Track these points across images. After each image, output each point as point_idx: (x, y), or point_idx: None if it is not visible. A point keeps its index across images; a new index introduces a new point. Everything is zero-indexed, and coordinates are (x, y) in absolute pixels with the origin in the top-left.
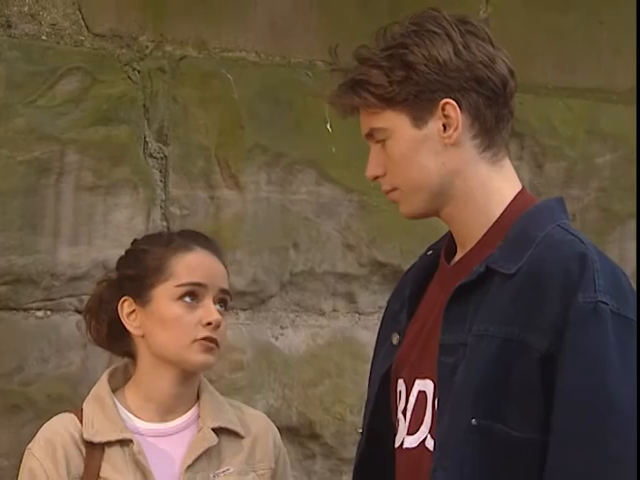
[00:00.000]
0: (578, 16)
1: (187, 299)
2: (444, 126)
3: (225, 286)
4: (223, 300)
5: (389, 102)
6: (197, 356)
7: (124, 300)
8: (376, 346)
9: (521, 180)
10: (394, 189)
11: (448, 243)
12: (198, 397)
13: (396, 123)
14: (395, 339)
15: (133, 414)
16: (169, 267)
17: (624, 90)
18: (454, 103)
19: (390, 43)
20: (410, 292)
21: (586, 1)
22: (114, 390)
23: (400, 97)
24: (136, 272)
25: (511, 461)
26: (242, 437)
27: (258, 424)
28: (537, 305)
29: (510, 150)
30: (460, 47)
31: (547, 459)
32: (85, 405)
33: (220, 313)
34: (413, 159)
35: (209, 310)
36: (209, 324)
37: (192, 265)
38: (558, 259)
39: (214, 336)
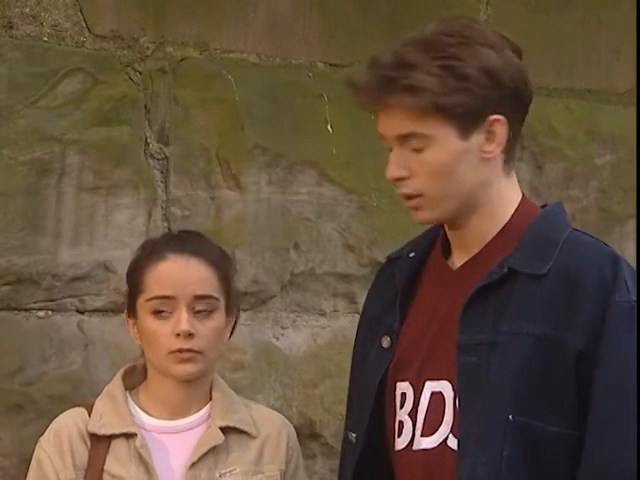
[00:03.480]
0: (578, 17)
1: (157, 312)
2: (487, 140)
3: (201, 292)
4: (202, 305)
5: (441, 110)
6: (174, 367)
7: (125, 312)
8: (356, 352)
9: (521, 181)
10: (418, 195)
11: (443, 245)
12: (212, 396)
13: (442, 132)
14: (386, 342)
15: (144, 411)
16: (144, 280)
17: (624, 91)
18: (504, 120)
19: (440, 53)
20: (401, 294)
21: (586, 2)
22: (131, 388)
23: (451, 107)
24: (127, 285)
25: (547, 456)
26: (253, 437)
27: (271, 425)
28: (572, 304)
29: None
30: (506, 64)
31: (582, 453)
32: (97, 400)
33: (202, 319)
34: (454, 169)
35: (179, 321)
36: (179, 335)
37: (160, 277)
38: (590, 260)
39: (187, 346)
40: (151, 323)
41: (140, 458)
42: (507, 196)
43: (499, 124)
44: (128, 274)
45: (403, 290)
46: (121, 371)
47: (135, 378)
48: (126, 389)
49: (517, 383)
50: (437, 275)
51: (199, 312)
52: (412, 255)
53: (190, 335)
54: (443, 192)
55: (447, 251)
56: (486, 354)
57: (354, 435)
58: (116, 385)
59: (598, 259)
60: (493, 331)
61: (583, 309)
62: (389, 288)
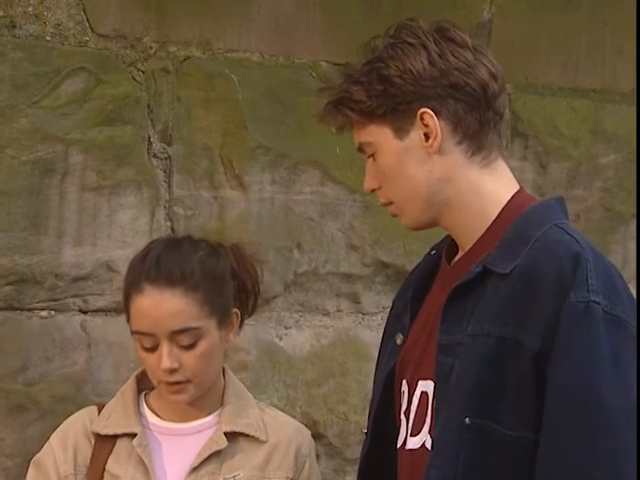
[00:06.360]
0: (582, 17)
1: (142, 346)
2: (425, 135)
3: (178, 327)
4: (184, 338)
5: (370, 116)
6: (167, 395)
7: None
8: (381, 346)
9: (525, 180)
10: (390, 202)
11: (450, 243)
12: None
13: (380, 136)
14: (399, 339)
15: (153, 412)
16: (129, 309)
17: (627, 90)
18: (431, 112)
19: (369, 58)
20: (413, 292)
21: (590, 2)
22: (146, 389)
23: (379, 110)
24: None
25: (504, 460)
26: (262, 442)
27: (283, 432)
28: (530, 304)
29: (514, 150)
30: (435, 56)
31: (537, 457)
32: (110, 400)
33: (187, 349)
34: (400, 170)
35: (160, 357)
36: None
37: (138, 313)
38: (552, 259)
39: (173, 380)
40: (140, 351)
41: (139, 458)
42: (489, 190)
43: (428, 116)
44: (123, 290)
45: (416, 287)
46: (137, 372)
47: (150, 381)
48: (141, 390)
49: (474, 385)
50: (440, 273)
51: (183, 345)
52: (433, 252)
53: (174, 370)
54: (403, 195)
55: (456, 249)
56: (458, 356)
57: (365, 431)
58: (129, 385)
59: (561, 257)
60: (465, 332)
61: (540, 309)
62: (412, 285)
